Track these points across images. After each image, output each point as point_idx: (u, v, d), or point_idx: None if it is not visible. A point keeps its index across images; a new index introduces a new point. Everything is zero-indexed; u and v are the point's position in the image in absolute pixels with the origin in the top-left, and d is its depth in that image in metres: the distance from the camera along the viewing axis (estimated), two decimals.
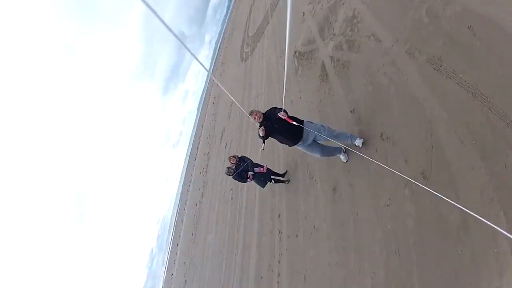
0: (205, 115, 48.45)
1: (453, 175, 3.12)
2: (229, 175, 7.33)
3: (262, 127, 4.45)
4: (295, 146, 4.72)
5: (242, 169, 7.21)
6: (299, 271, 5.68)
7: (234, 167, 7.29)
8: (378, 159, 4.16)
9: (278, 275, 6.45)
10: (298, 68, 9.05)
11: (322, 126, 4.64)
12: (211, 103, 46.16)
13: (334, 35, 7.11)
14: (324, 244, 5.09)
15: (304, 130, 4.52)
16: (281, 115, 4.29)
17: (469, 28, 3.56)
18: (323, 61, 7.33)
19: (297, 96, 8.56)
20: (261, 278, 7.38)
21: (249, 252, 8.87)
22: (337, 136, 4.65)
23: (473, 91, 3.23)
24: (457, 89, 3.43)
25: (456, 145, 3.21)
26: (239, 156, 7.57)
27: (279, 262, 6.68)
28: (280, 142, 4.86)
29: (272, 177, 7.43)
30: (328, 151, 4.96)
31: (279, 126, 4.48)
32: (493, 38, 3.27)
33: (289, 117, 4.37)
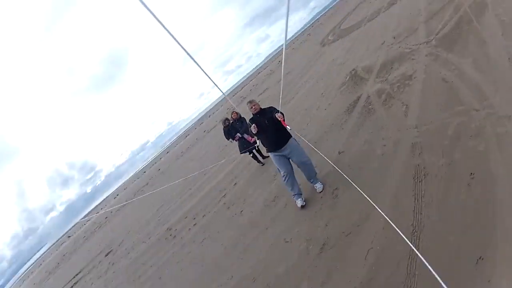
0: (265, 68, 48.22)
1: None
2: (222, 125, 7.61)
3: (254, 125, 4.40)
4: (271, 152, 4.65)
5: (234, 127, 7.45)
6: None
7: (231, 121, 7.53)
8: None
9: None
10: (344, 85, 8.78)
11: (305, 154, 4.60)
12: (276, 62, 45.71)
13: (385, 80, 6.77)
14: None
15: (288, 142, 4.50)
16: (278, 116, 4.27)
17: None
18: (360, 95, 7.07)
19: (324, 106, 8.46)
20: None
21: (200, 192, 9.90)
22: (306, 166, 4.61)
23: None
24: None
25: None
26: (242, 116, 7.68)
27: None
28: (262, 142, 4.80)
29: (254, 150, 7.58)
30: (292, 181, 4.69)
31: (269, 126, 4.46)
32: None
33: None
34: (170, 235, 8.10)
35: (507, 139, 3.13)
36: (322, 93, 9.76)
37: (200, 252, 5.87)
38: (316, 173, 4.82)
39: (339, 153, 5.48)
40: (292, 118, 9.86)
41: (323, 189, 4.77)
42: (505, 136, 3.18)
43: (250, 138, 7.36)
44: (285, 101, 13.08)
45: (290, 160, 4.65)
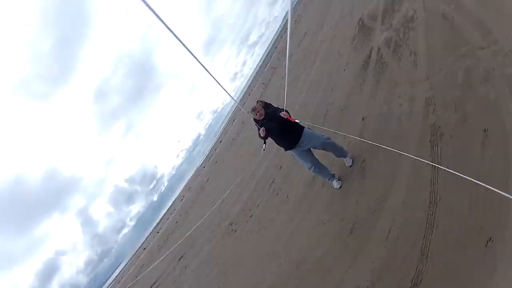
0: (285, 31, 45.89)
1: None
2: (253, 116, 7.87)
3: (262, 128, 4.21)
4: (290, 151, 4.50)
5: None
6: None
7: (255, 111, 7.74)
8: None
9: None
10: (355, 39, 8.29)
11: (322, 135, 4.45)
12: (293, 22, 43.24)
13: (390, 27, 6.26)
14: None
15: (302, 134, 4.29)
16: (282, 115, 4.14)
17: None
18: (372, 48, 6.69)
19: (343, 67, 8.15)
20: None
21: (253, 181, 10.39)
22: (330, 145, 4.42)
23: None
24: None
25: None
26: (266, 103, 7.87)
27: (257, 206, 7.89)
28: (276, 143, 4.64)
29: None
30: (320, 169, 4.59)
31: (279, 127, 4.27)
32: None
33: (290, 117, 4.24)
34: (232, 229, 8.68)
35: None
36: (339, 52, 9.33)
37: (256, 243, 6.34)
38: (342, 148, 4.64)
39: (363, 119, 5.38)
40: (317, 87, 9.73)
41: (352, 163, 4.68)
42: None
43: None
44: (309, 65, 12.79)
45: (313, 148, 4.46)
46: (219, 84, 3.55)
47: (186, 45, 2.08)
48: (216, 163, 33.25)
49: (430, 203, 2.87)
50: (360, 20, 8.59)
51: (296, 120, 4.29)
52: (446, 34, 4.38)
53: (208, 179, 28.18)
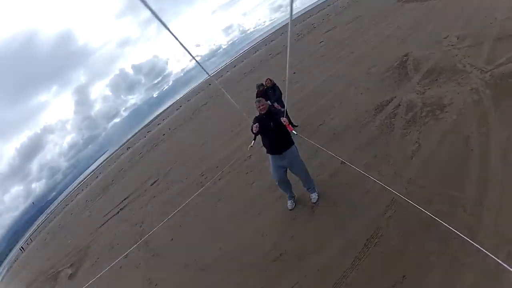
0: None
1: None
2: (256, 89, 7.76)
3: (256, 124, 4.18)
4: (270, 155, 4.55)
5: (267, 94, 7.57)
6: None
7: (264, 88, 7.66)
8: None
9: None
10: (390, 71, 7.99)
11: (303, 166, 4.57)
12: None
13: (422, 93, 6.14)
14: None
15: (289, 149, 4.37)
16: (283, 120, 4.13)
17: None
18: (394, 97, 6.57)
19: (362, 89, 8.08)
20: None
21: (238, 140, 10.72)
22: (303, 176, 4.67)
23: None
24: None
25: None
26: (275, 84, 7.68)
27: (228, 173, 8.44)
28: (263, 143, 4.62)
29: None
30: (284, 187, 4.85)
31: (274, 130, 4.29)
32: None
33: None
34: (200, 182, 9.02)
35: None
36: (369, 69, 9.05)
37: (212, 212, 6.75)
38: (312, 183, 4.80)
39: (341, 163, 5.46)
40: (327, 93, 9.63)
41: (317, 200, 4.81)
42: None
43: (279, 107, 7.31)
44: (342, 55, 12.28)
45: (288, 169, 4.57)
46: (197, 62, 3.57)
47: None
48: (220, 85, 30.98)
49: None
50: (405, 56, 8.23)
51: (293, 130, 4.36)
52: (453, 165, 4.21)
53: (206, 103, 27.28)
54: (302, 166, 4.57)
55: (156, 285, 5.62)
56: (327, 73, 11.23)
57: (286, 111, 4.62)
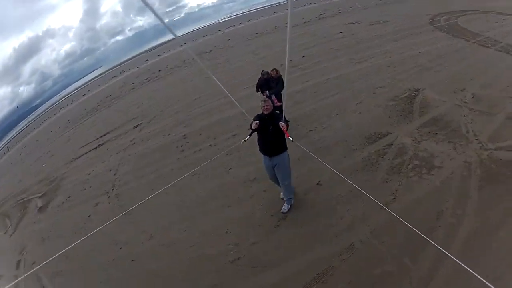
0: None
1: None
2: (260, 75, 7.20)
3: (257, 121, 4.25)
4: (261, 153, 4.63)
5: (268, 83, 7.07)
6: None
7: (268, 77, 7.09)
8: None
9: None
10: (395, 101, 7.59)
11: (288, 175, 4.67)
12: None
13: (418, 142, 5.87)
14: None
15: (280, 155, 4.45)
16: (281, 126, 4.12)
17: None
18: (388, 134, 6.26)
19: (363, 108, 7.71)
20: None
21: (229, 111, 10.05)
22: (285, 186, 4.75)
23: None
24: None
25: None
26: (281, 76, 7.09)
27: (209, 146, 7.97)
28: (258, 141, 4.63)
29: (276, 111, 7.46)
30: (276, 182, 4.89)
31: (271, 132, 4.30)
32: None
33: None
34: (181, 145, 8.62)
35: None
36: (377, 88, 8.56)
37: (185, 186, 6.39)
38: (290, 193, 4.92)
39: (318, 183, 5.46)
40: (337, 91, 9.06)
41: (287, 211, 4.95)
42: None
43: (276, 101, 7.00)
44: (356, 59, 11.41)
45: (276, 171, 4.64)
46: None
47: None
48: (228, 40, 28.21)
49: None
50: (416, 91, 7.78)
51: (289, 137, 4.23)
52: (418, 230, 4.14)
53: (211, 51, 24.58)
54: (286, 174, 4.64)
55: (120, 248, 5.46)
56: (335, 72, 10.54)
57: (285, 116, 4.35)
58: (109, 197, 7.35)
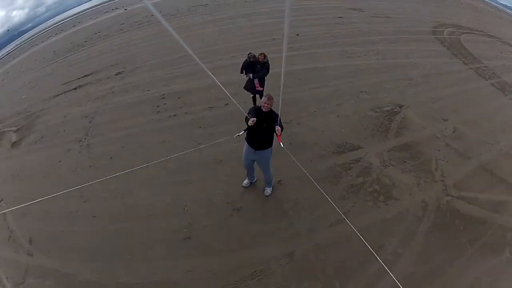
0: None
1: None
2: (247, 57, 6.53)
3: (253, 118, 4.00)
4: (246, 142, 4.52)
5: (253, 66, 6.48)
6: None
7: (254, 60, 6.45)
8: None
9: None
10: (376, 112, 7.16)
11: (268, 168, 4.78)
12: None
13: (386, 166, 5.59)
14: None
15: (265, 150, 4.42)
16: (277, 129, 3.98)
17: None
18: (359, 149, 5.87)
19: (343, 118, 7.12)
20: None
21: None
22: (266, 175, 4.90)
23: None
24: None
25: None
26: (268, 62, 6.46)
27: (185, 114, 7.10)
28: (247, 132, 4.44)
29: (257, 94, 6.81)
30: (248, 171, 5.07)
31: (263, 130, 4.20)
32: None
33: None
34: (158, 106, 8.02)
35: None
36: (362, 93, 7.86)
37: (154, 150, 6.37)
38: (270, 181, 5.04)
39: (278, 181, 5.29)
40: (320, 85, 8.32)
41: (269, 194, 5.10)
42: None
43: (258, 85, 6.58)
44: (348, 53, 10.43)
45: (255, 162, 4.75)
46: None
47: None
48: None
49: None
50: (401, 107, 7.32)
51: (281, 143, 4.05)
52: (355, 260, 4.14)
53: (206, 4, 21.09)
54: (267, 167, 4.75)
55: (85, 201, 5.45)
56: (324, 63, 9.64)
57: (280, 120, 4.10)
58: (80, 145, 7.08)
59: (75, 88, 10.57)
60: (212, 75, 3.11)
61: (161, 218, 4.87)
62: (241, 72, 6.66)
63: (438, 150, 5.94)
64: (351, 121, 6.74)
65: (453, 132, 6.45)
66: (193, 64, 10.13)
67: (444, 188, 5.17)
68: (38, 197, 3.85)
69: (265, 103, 4.11)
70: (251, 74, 6.47)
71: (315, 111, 7.11)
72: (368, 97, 7.66)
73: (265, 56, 6.40)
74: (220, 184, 5.32)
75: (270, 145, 4.43)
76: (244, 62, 6.57)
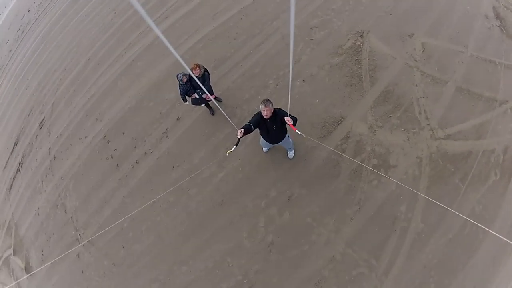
0: None
1: None
2: (178, 81, 4.88)
3: (241, 129, 3.52)
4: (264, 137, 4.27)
5: (193, 86, 4.98)
6: None
7: (187, 79, 4.85)
8: None
9: None
10: (342, 56, 5.89)
11: (292, 144, 4.82)
12: None
13: (375, 129, 5.19)
14: None
15: (284, 139, 4.33)
16: (287, 120, 3.48)
17: None
18: (342, 121, 5.31)
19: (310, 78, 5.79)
20: None
21: None
22: (288, 147, 4.95)
23: None
24: None
25: None
26: (206, 70, 4.94)
27: None
28: (260, 133, 4.19)
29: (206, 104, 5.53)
30: (288, 148, 5.02)
31: (275, 130, 3.94)
32: None
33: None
34: (112, 157, 6.31)
35: None
36: (312, 29, 6.21)
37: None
38: (292, 147, 5.01)
39: (288, 198, 4.93)
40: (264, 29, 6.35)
41: (293, 157, 5.14)
42: None
43: (208, 96, 4.98)
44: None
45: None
46: None
47: None
48: None
49: None
50: (362, 36, 5.96)
51: (296, 130, 3.61)
52: (380, 236, 4.51)
53: None
54: (290, 145, 4.76)
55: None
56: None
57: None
58: (83, 245, 6.13)
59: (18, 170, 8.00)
60: None
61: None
62: (184, 101, 5.04)
63: (416, 85, 5.34)
64: (320, 82, 5.68)
65: (423, 51, 5.60)
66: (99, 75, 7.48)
67: (432, 132, 5.00)
68: None
69: (264, 110, 3.61)
70: (196, 94, 5.01)
71: (276, 84, 5.83)
72: (322, 33, 6.13)
73: (199, 67, 4.70)
74: (239, 227, 5.05)
75: (286, 133, 4.28)
76: (179, 88, 4.93)
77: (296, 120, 3.57)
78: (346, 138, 5.15)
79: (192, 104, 5.21)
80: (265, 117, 3.67)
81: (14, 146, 8.38)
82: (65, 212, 6.61)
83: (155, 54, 7.22)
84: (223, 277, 4.99)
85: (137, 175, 6.09)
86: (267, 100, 3.61)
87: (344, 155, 5.02)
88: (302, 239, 4.76)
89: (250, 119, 3.81)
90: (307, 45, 6.06)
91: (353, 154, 5.03)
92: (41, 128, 7.84)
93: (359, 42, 5.85)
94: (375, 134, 5.10)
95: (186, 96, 5.02)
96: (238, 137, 3.54)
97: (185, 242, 5.24)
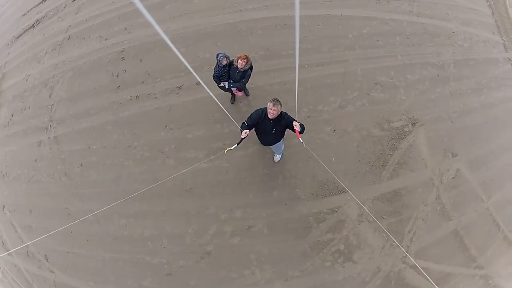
0: None
1: None
2: (218, 62, 4.03)
3: (246, 130, 3.32)
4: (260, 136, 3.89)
5: (228, 71, 4.14)
6: None
7: (228, 63, 4.05)
8: None
9: None
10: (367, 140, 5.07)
11: (282, 149, 4.52)
12: None
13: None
14: None
15: (277, 144, 4.02)
16: (295, 125, 3.29)
17: None
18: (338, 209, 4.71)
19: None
20: None
21: None
22: (278, 152, 4.61)
23: None
24: None
25: None
26: (250, 67, 4.19)
27: None
28: (256, 134, 3.84)
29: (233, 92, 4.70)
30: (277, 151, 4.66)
31: (273, 133, 3.61)
32: None
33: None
34: (117, 74, 5.49)
35: None
36: (377, 85, 5.27)
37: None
38: (282, 151, 4.63)
39: (247, 228, 4.59)
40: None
41: (279, 160, 4.74)
42: None
43: (237, 91, 4.54)
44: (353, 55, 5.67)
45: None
46: None
47: None
48: None
49: None
50: (413, 124, 5.12)
51: (300, 138, 3.39)
52: None
53: None
54: (280, 150, 4.47)
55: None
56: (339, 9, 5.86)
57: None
58: (49, 138, 5.68)
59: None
60: None
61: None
62: (218, 84, 4.17)
63: (425, 205, 4.78)
64: (348, 143, 4.95)
65: (453, 178, 4.93)
66: None
67: (405, 255, 4.61)
68: None
69: (270, 109, 3.26)
70: (227, 83, 4.23)
71: (308, 116, 5.04)
72: (382, 96, 5.21)
73: (247, 60, 3.85)
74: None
75: (282, 138, 3.93)
76: (215, 68, 4.08)
77: (304, 128, 3.31)
78: (333, 211, 4.66)
79: (218, 86, 4.39)
80: (270, 116, 3.34)
81: (42, 0, 7.16)
82: (49, 97, 5.90)
83: None
84: (151, 251, 4.76)
85: (130, 109, 5.37)
86: (277, 100, 3.26)
87: (320, 224, 4.55)
88: (235, 268, 4.57)
89: (249, 115, 3.49)
90: (361, 97, 5.17)
91: (328, 229, 4.60)
92: (73, 0, 6.62)
93: (407, 129, 5.05)
94: (359, 224, 4.64)
95: (221, 82, 4.18)
96: (242, 137, 3.34)
97: (137, 201, 4.76)
